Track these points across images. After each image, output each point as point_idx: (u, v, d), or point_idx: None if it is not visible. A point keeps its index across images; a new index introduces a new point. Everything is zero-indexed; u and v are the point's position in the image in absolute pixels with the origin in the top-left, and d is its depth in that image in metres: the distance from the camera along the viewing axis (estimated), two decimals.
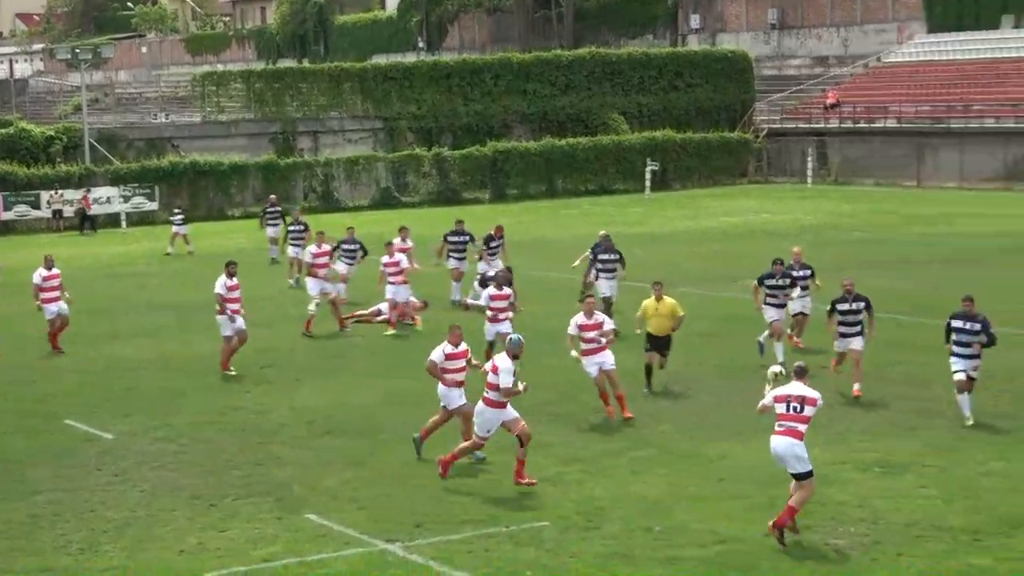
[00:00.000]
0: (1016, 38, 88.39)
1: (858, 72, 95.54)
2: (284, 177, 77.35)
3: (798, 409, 18.80)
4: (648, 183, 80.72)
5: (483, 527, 20.67)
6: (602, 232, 39.78)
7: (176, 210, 60.03)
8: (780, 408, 19.06)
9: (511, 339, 24.63)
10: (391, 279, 37.74)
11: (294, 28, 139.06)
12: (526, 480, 22.67)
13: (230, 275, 32.22)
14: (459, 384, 24.21)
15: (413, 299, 38.76)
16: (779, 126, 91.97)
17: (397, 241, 39.59)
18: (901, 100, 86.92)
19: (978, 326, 25.83)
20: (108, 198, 74.09)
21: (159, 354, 37.04)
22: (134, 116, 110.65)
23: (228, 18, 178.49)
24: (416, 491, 22.88)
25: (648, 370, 29.54)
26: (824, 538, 19.98)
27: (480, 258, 42.57)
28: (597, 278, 38.11)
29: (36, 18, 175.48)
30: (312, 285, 38.24)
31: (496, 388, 22.86)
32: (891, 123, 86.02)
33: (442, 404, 24.22)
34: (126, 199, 73.57)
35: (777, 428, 19.05)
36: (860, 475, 23.23)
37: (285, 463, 24.50)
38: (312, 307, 38.08)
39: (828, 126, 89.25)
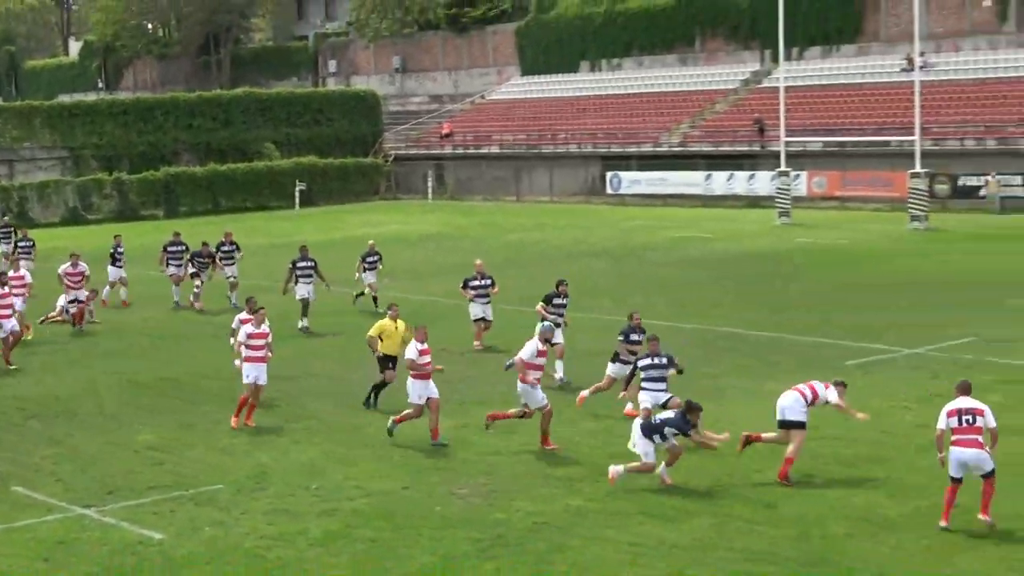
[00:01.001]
0: (591, 80, 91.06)
1: (467, 108, 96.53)
2: None
3: (971, 421, 17.19)
4: (297, 201, 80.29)
5: (167, 492, 19.92)
6: (302, 244, 39.05)
7: None
8: (954, 423, 17.41)
9: (544, 326, 23.93)
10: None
11: None
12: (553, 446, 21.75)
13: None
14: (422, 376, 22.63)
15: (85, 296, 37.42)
16: (404, 152, 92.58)
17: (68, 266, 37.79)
18: (502, 130, 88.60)
19: (665, 360, 22.71)
20: None
21: None
22: None
23: None
24: (108, 465, 22.06)
25: (381, 387, 25.93)
26: (450, 488, 19.73)
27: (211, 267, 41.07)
28: (297, 282, 36.83)
29: None
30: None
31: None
32: (494, 149, 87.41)
33: None
34: None
35: (958, 440, 17.22)
36: (478, 436, 22.92)
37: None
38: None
39: (444, 152, 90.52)
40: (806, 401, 19.34)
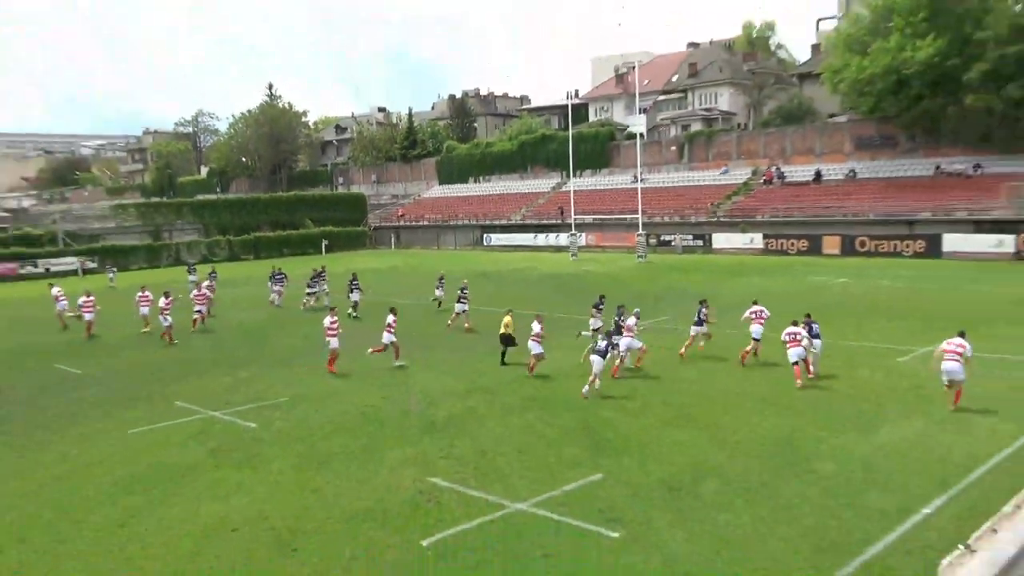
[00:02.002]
0: (475, 187, 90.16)
1: (411, 202, 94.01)
2: None
3: (958, 344, 16.54)
4: (323, 249, 77.85)
5: (257, 402, 19.71)
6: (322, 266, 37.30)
7: None
8: (947, 345, 16.66)
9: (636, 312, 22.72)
10: None
11: None
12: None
13: None
14: None
15: None
16: (378, 224, 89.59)
17: None
18: (430, 213, 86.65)
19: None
20: None
21: None
22: None
23: None
24: (222, 388, 21.42)
25: (506, 351, 23.35)
26: (407, 402, 21.35)
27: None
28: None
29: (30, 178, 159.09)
30: None
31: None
32: (425, 223, 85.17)
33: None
34: None
35: (948, 358, 16.49)
36: (421, 372, 24.00)
37: None
38: None
39: (399, 224, 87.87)
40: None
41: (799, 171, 66.07)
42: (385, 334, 23.22)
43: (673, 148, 76.83)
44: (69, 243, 70.47)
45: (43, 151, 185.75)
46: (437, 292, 35.42)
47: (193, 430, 17.54)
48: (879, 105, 58.54)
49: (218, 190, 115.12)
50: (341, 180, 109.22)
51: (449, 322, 30.04)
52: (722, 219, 63.78)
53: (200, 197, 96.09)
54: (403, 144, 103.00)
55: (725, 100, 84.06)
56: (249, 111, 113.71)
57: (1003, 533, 3.26)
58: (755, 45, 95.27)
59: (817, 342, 20.27)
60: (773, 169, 66.95)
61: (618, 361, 21.10)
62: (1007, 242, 48.08)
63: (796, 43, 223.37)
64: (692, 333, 23.43)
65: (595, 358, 19.00)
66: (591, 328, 25.48)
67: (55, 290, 35.70)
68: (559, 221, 72.84)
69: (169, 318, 29.42)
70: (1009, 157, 55.27)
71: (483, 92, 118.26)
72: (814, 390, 18.93)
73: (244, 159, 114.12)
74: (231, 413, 18.86)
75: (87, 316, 31.41)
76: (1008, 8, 53.42)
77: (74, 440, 17.31)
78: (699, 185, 70.89)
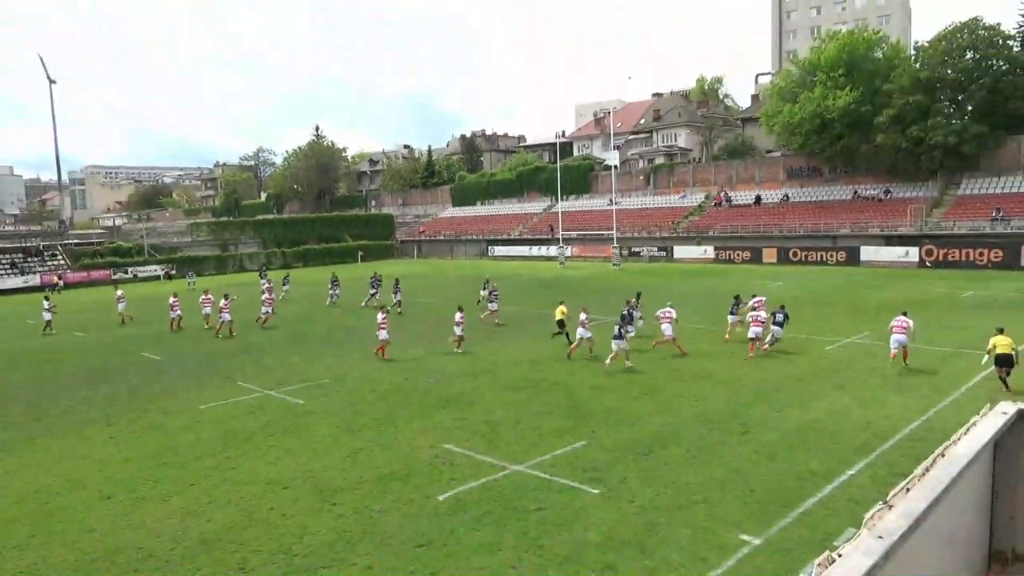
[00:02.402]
0: (482, 209, 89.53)
1: (430, 221, 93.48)
2: None
3: (903, 320, 17.96)
4: (359, 259, 77.28)
5: (305, 382, 19.35)
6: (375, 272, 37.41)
7: None
8: (896, 322, 18.03)
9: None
10: None
11: None
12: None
13: None
14: None
15: None
16: (404, 239, 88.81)
17: None
18: (445, 229, 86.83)
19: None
20: None
21: None
22: None
23: None
24: (279, 368, 21.12)
25: (559, 333, 23.85)
26: (423, 379, 21.30)
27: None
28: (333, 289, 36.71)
29: (122, 202, 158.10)
30: None
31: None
32: (441, 238, 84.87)
33: None
34: None
35: (896, 331, 17.82)
36: (437, 357, 24.09)
37: None
38: None
39: (421, 239, 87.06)
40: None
41: (743, 196, 65.86)
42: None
43: (641, 177, 76.57)
44: (153, 254, 70.39)
45: (132, 180, 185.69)
46: (482, 293, 33.28)
47: (253, 405, 17.34)
48: (807, 143, 58.45)
49: (274, 211, 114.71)
50: (373, 203, 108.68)
51: (482, 317, 29.59)
52: (681, 234, 63.55)
53: (260, 217, 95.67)
54: (424, 174, 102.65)
55: (683, 139, 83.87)
56: (299, 147, 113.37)
57: (914, 491, 3.20)
58: (707, 95, 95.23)
59: (778, 329, 20.94)
60: (722, 194, 66.72)
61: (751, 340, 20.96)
62: (912, 253, 47.96)
63: (739, 93, 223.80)
64: (731, 322, 23.36)
65: (614, 342, 19.78)
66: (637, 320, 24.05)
67: (118, 293, 35.31)
68: (549, 236, 72.56)
69: (227, 315, 28.52)
70: (913, 184, 55.21)
71: (488, 132, 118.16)
72: (758, 371, 18.75)
73: (296, 186, 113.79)
74: (283, 392, 18.66)
75: (174, 313, 30.86)
76: (910, 65, 53.42)
77: (158, 413, 17.15)
78: (662, 207, 70.66)
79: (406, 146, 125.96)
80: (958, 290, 32.83)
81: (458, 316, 23.17)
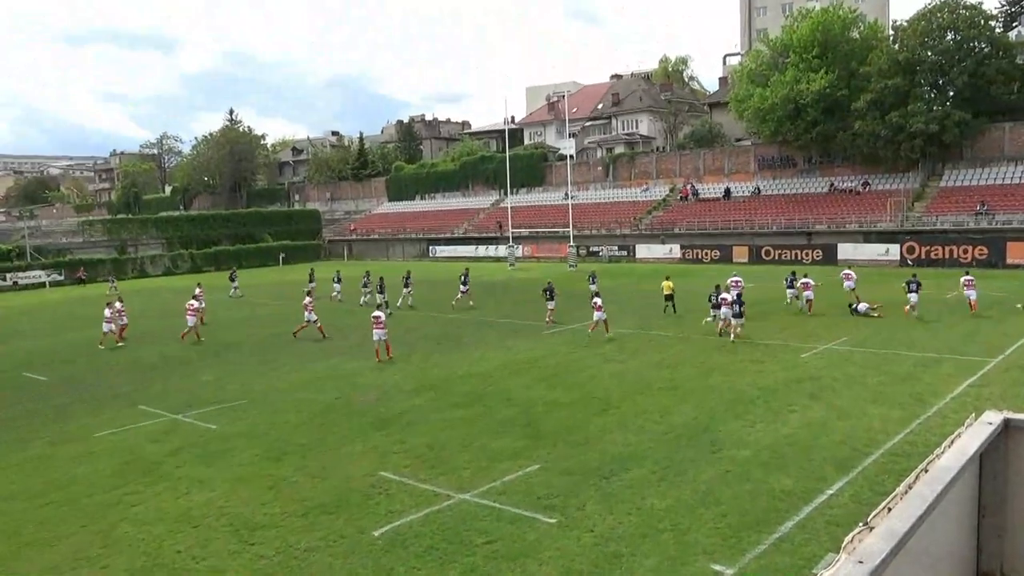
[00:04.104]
0: (421, 204, 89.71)
1: (362, 217, 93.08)
2: None
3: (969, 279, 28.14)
4: (281, 261, 76.59)
5: (218, 404, 19.17)
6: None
7: None
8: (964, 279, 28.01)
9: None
10: None
11: None
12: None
13: None
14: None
15: None
16: (333, 238, 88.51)
17: None
18: (379, 228, 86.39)
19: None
20: None
21: None
22: None
23: None
24: (188, 390, 20.94)
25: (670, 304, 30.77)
26: (358, 398, 21.08)
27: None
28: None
29: None
30: None
31: None
32: (375, 236, 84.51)
33: None
34: None
35: (967, 288, 27.74)
36: (373, 372, 24.00)
37: None
38: None
39: (351, 238, 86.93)
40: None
41: (711, 188, 67.14)
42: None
43: (599, 168, 77.39)
44: (37, 257, 67.92)
45: (12, 171, 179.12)
46: (462, 289, 36.33)
47: (157, 432, 16.90)
48: (779, 130, 59.89)
49: (181, 207, 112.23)
50: (297, 197, 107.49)
51: (453, 302, 35.05)
52: (644, 231, 64.43)
53: (164, 214, 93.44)
54: (355, 165, 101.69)
55: (645, 126, 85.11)
56: (211, 134, 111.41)
57: (896, 511, 3.29)
58: (671, 77, 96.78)
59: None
60: (688, 187, 67.89)
61: (721, 323, 25.65)
62: (893, 251, 49.60)
63: (706, 76, 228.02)
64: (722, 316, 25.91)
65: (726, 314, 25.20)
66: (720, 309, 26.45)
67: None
68: (498, 234, 72.73)
69: (111, 325, 29.32)
70: (893, 175, 57.08)
71: (428, 118, 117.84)
72: (728, 381, 19.12)
73: (206, 178, 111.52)
74: (193, 415, 18.24)
75: (110, 327, 29.75)
76: (889, 46, 55.27)
77: (44, 443, 16.59)
78: (623, 201, 71.50)
79: (335, 133, 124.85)
80: (940, 290, 34.01)
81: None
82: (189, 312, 30.21)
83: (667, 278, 31.79)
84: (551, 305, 30.44)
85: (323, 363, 23.63)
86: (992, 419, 4.29)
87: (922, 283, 28.15)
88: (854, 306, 29.06)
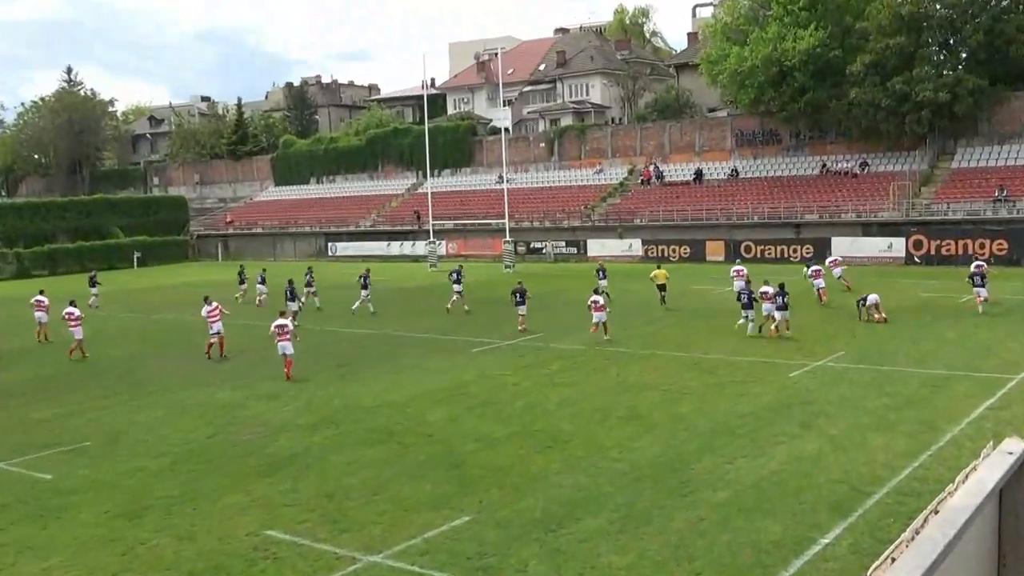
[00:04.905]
0: (317, 188, 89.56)
1: (242, 206, 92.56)
2: None
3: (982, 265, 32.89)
4: (135, 263, 75.77)
5: (53, 448, 18.93)
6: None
7: None
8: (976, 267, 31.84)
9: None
10: None
11: None
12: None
13: None
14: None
15: None
16: (203, 232, 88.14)
17: None
18: (264, 219, 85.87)
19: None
20: None
21: None
22: None
23: None
24: (17, 433, 20.60)
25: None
26: (239, 435, 20.25)
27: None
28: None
29: None
30: None
31: None
32: (259, 230, 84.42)
33: None
34: None
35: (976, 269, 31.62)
36: (258, 402, 22.75)
37: None
38: None
39: (228, 232, 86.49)
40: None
41: (679, 170, 68.30)
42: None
43: (542, 144, 78.01)
44: None
45: None
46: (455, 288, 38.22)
47: None
48: (761, 98, 61.20)
49: (3, 192, 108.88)
50: (157, 181, 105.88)
51: (448, 306, 36.85)
52: (597, 223, 65.17)
53: None
54: (231, 139, 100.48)
55: (597, 92, 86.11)
56: (42, 99, 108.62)
57: (902, 561, 3.36)
58: (628, 32, 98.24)
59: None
60: (651, 168, 68.92)
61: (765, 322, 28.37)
62: (897, 246, 51.08)
63: (672, 31, 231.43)
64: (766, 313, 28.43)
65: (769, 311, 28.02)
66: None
67: None
68: (415, 227, 72.59)
69: None
70: (896, 154, 58.90)
71: (325, 80, 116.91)
72: (702, 408, 19.43)
73: (37, 155, 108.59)
74: (20, 463, 17.73)
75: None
76: None
77: None
78: (571, 185, 72.24)
79: (205, 99, 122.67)
80: (953, 293, 35.21)
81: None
82: (71, 323, 30.22)
83: (659, 266, 36.04)
84: (522, 310, 31.47)
85: (195, 392, 23.20)
86: (1013, 448, 4.43)
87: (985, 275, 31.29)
88: (863, 301, 30.05)
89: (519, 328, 31.28)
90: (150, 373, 26.93)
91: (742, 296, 28.89)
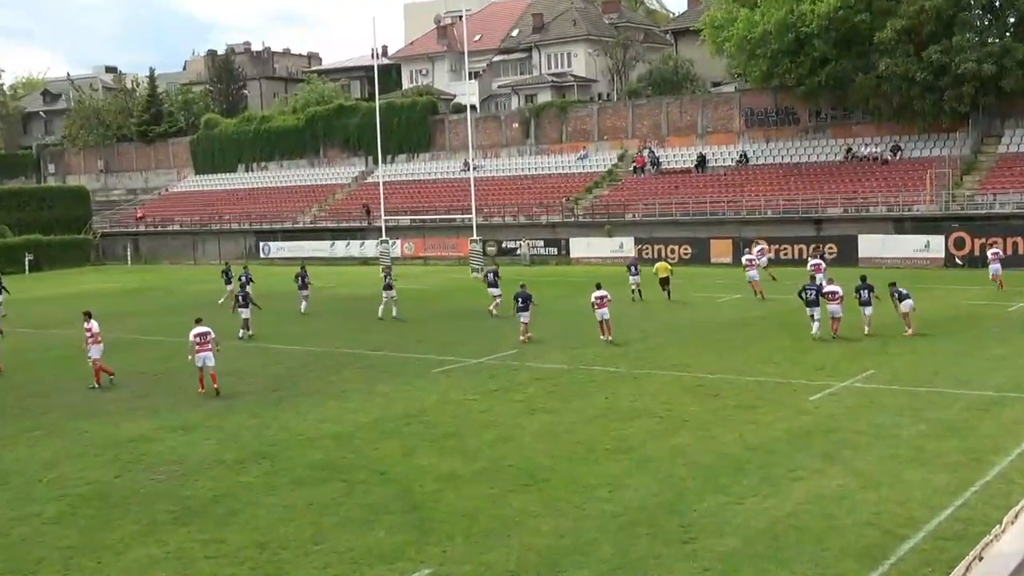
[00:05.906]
0: (246, 177, 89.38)
1: (155, 198, 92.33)
2: None
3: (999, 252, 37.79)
4: (27, 267, 74.71)
5: None
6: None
7: None
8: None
9: None
10: None
11: None
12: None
13: None
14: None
15: None
16: (108, 230, 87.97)
17: None
18: (182, 213, 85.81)
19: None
20: None
21: None
22: None
23: None
24: None
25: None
26: (149, 474, 19.95)
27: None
28: None
29: None
30: None
31: None
32: (176, 227, 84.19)
33: None
34: None
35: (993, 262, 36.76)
36: (173, 434, 22.75)
37: None
38: None
39: (138, 230, 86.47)
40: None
41: (678, 155, 68.59)
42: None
43: (516, 125, 78.08)
44: None
45: None
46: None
47: None
48: (774, 71, 61.38)
49: None
50: (53, 168, 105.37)
51: (492, 308, 38.52)
52: (581, 219, 65.29)
53: None
54: (142, 118, 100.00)
55: (581, 63, 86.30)
56: None
57: None
58: None
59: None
60: (645, 153, 69.11)
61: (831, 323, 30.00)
62: (935, 245, 51.32)
63: None
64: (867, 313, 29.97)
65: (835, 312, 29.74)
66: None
67: None
68: (365, 224, 72.49)
69: None
70: (933, 136, 59.38)
71: (256, 48, 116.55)
72: (705, 439, 19.43)
73: None
74: None
75: None
76: None
77: None
78: (551, 174, 72.34)
79: (111, 69, 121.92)
80: (1002, 300, 35.47)
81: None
82: None
83: (663, 258, 40.26)
84: (524, 318, 32.15)
85: (97, 422, 22.93)
86: None
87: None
88: (895, 289, 30.06)
89: (521, 339, 31.82)
90: (45, 400, 26.55)
91: (808, 292, 29.90)
